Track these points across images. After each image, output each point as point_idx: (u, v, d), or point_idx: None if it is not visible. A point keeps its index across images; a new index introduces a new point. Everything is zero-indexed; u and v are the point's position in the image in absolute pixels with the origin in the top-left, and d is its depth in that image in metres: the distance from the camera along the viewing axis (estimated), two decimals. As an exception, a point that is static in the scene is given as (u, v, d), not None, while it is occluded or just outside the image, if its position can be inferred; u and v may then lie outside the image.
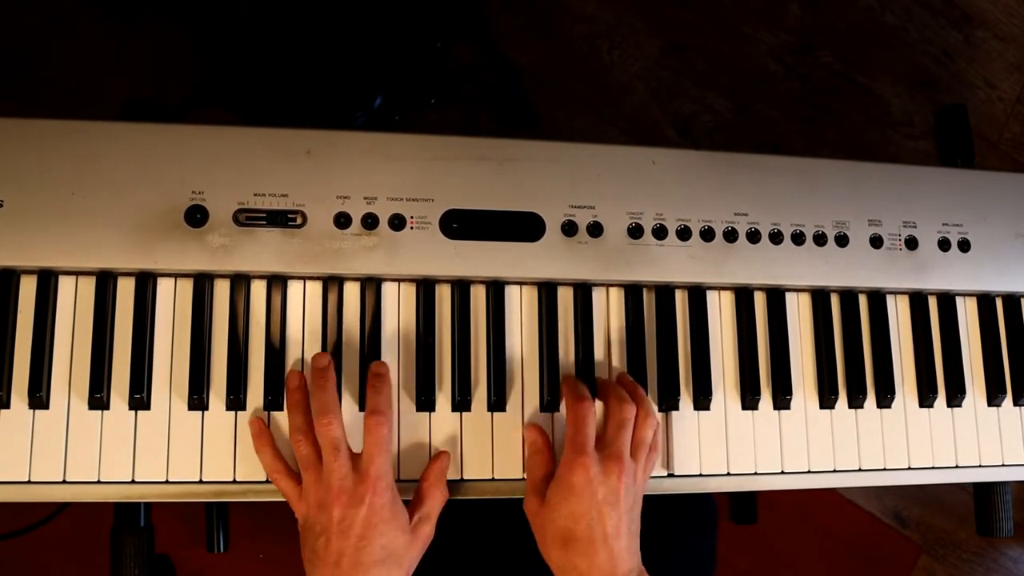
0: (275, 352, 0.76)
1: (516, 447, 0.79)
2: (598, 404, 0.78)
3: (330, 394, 0.73)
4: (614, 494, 0.72)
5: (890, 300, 0.88)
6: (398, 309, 0.79)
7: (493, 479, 0.78)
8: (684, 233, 0.82)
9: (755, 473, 0.83)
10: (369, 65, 1.42)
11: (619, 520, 0.71)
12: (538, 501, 0.74)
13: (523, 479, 0.78)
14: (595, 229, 0.80)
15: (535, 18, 1.67)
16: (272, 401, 0.75)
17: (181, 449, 0.74)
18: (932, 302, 0.89)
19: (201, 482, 0.74)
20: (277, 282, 0.77)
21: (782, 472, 0.83)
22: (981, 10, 1.79)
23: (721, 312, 0.85)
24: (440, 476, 0.76)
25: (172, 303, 0.76)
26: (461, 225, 0.78)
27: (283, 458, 0.74)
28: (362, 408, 0.76)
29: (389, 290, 0.79)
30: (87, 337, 0.73)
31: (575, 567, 0.71)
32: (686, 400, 0.82)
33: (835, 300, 0.87)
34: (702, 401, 0.82)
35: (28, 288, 0.74)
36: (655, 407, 0.81)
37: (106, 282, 0.74)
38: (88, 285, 0.74)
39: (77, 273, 0.75)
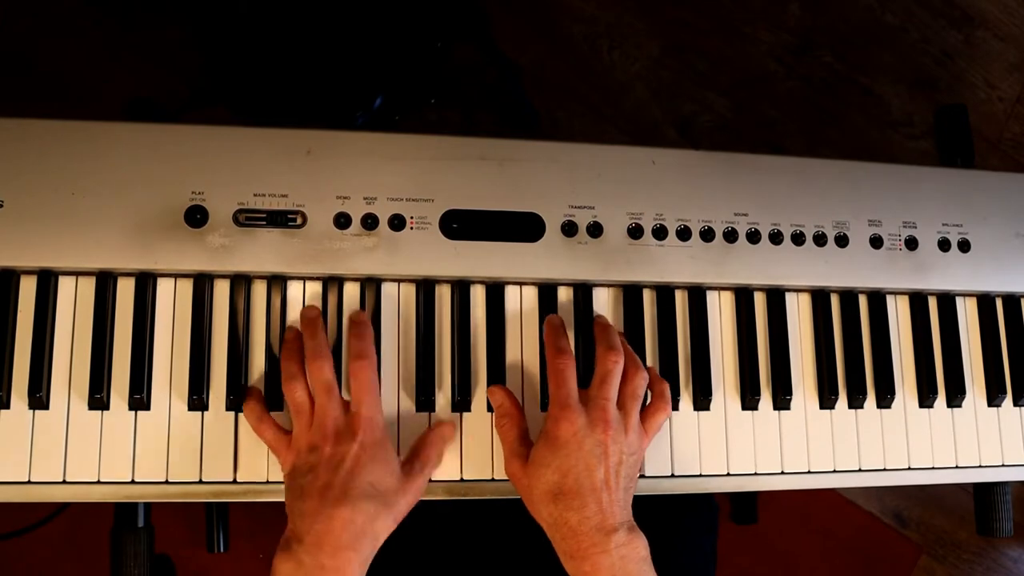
0: (275, 352, 0.76)
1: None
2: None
3: (321, 339, 0.74)
4: (600, 446, 0.71)
5: (890, 300, 0.88)
6: (398, 309, 0.79)
7: (493, 479, 0.78)
8: (684, 233, 0.82)
9: (755, 473, 0.83)
10: (369, 65, 1.42)
11: (607, 473, 0.71)
12: (519, 463, 0.74)
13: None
14: (595, 229, 0.80)
15: (535, 18, 1.67)
16: (272, 401, 0.75)
17: (181, 449, 0.74)
18: (932, 302, 0.89)
19: (201, 482, 0.74)
20: (277, 282, 0.77)
21: (782, 472, 0.83)
22: (981, 10, 1.79)
23: (721, 312, 0.85)
24: (438, 439, 0.76)
25: (172, 303, 0.76)
26: (461, 225, 0.78)
27: (268, 415, 0.74)
28: (362, 408, 0.76)
29: (389, 290, 0.79)
30: (87, 337, 0.73)
31: (565, 521, 0.70)
32: (686, 400, 0.82)
33: (835, 300, 0.87)
34: (702, 401, 0.82)
35: (28, 288, 0.74)
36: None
37: (106, 282, 0.74)
38: (88, 285, 0.74)
39: (77, 273, 0.75)
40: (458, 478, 0.77)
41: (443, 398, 0.78)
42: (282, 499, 0.74)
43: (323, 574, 0.66)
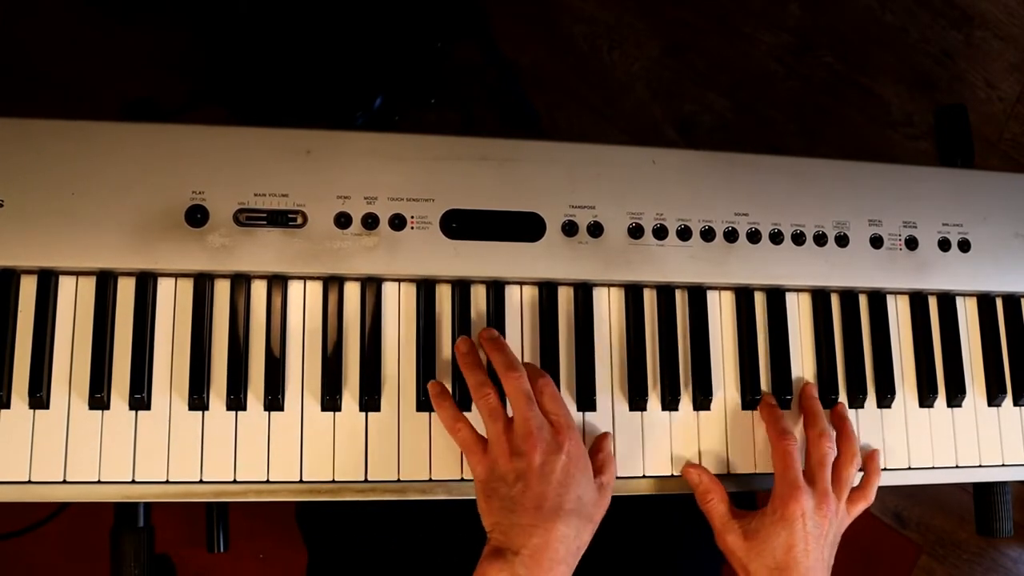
0: (275, 353, 0.76)
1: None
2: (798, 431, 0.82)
3: (511, 354, 0.76)
4: (819, 528, 0.76)
5: (890, 300, 0.88)
6: (398, 309, 0.79)
7: (493, 479, 0.78)
8: (684, 233, 0.82)
9: (755, 473, 0.83)
10: (369, 65, 1.42)
11: (820, 553, 0.76)
12: (738, 536, 0.77)
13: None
14: (595, 229, 0.80)
15: (535, 18, 1.67)
16: (272, 401, 0.75)
17: (181, 449, 0.74)
18: (932, 302, 0.89)
19: (201, 482, 0.74)
20: (277, 282, 0.77)
21: (782, 472, 0.83)
22: (981, 10, 1.79)
23: (721, 312, 0.85)
24: (612, 450, 0.78)
25: (172, 303, 0.76)
26: (461, 225, 0.78)
27: (462, 413, 0.75)
28: (361, 407, 0.76)
29: (389, 290, 0.79)
30: (87, 337, 0.73)
31: None
32: (686, 400, 0.82)
33: (835, 300, 0.87)
34: (702, 401, 0.82)
35: (28, 288, 0.74)
36: (858, 446, 0.82)
37: (106, 282, 0.74)
38: (88, 285, 0.74)
39: (77, 273, 0.75)
40: (458, 478, 0.77)
41: (443, 398, 0.78)
42: (282, 499, 0.74)
43: None
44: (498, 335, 0.78)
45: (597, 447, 0.78)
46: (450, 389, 0.78)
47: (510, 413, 0.73)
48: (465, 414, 0.76)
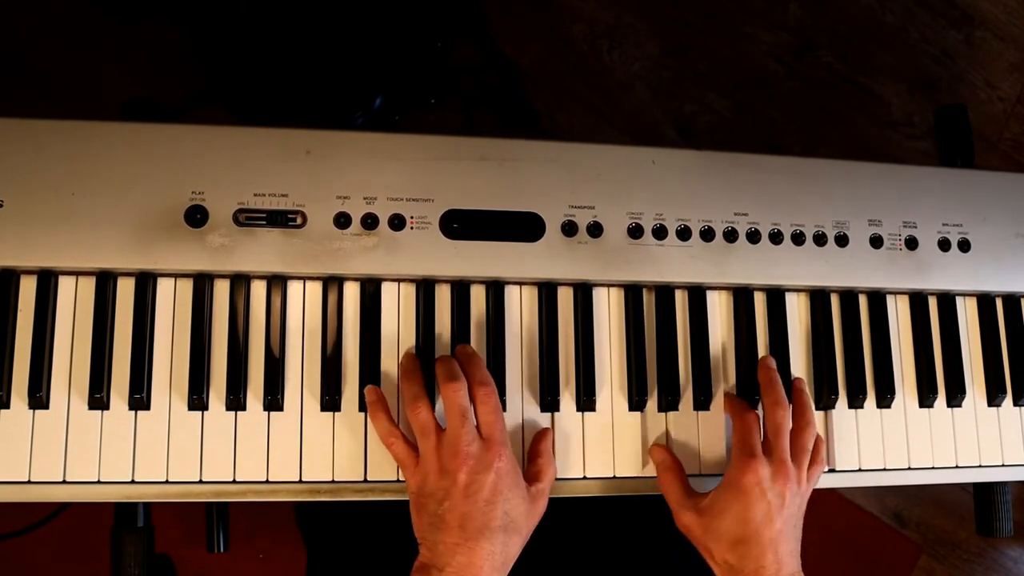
0: (275, 353, 0.76)
1: (515, 448, 0.79)
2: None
3: (456, 365, 0.74)
4: (779, 498, 0.74)
5: (890, 300, 0.88)
6: (398, 309, 0.79)
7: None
8: (684, 233, 0.82)
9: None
10: (369, 65, 1.42)
11: (784, 523, 0.74)
12: (693, 513, 0.76)
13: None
14: (595, 229, 0.80)
15: (535, 18, 1.67)
16: (272, 401, 0.75)
17: (181, 449, 0.74)
18: (932, 302, 0.89)
19: (201, 482, 0.74)
20: (277, 282, 0.77)
21: (782, 472, 0.83)
22: (981, 10, 1.79)
23: (721, 312, 0.85)
24: (551, 452, 0.77)
25: (172, 303, 0.76)
26: (461, 225, 0.78)
27: (397, 425, 0.74)
28: (362, 407, 0.76)
29: (389, 290, 0.79)
30: (87, 337, 0.73)
31: (742, 569, 0.73)
32: (686, 400, 0.82)
33: (835, 300, 0.87)
34: (702, 401, 0.82)
35: (28, 288, 0.74)
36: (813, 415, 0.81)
37: (106, 282, 0.74)
38: (88, 285, 0.74)
39: (77, 273, 0.75)
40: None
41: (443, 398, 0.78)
42: (282, 499, 0.74)
43: None
44: (469, 350, 0.77)
45: (534, 451, 0.77)
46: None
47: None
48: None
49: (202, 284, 0.76)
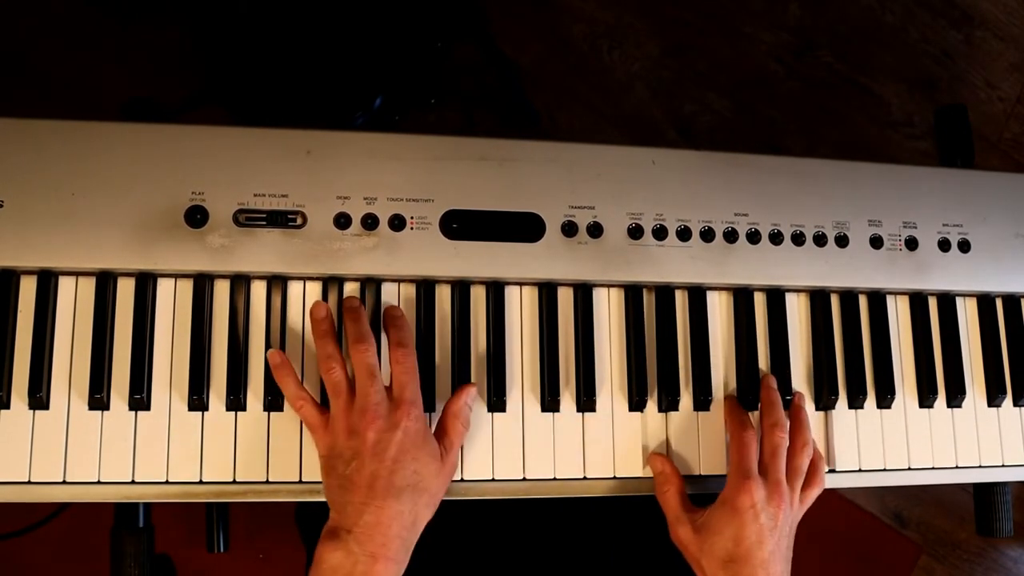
0: (275, 352, 0.76)
1: (516, 447, 0.79)
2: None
3: (365, 325, 0.74)
4: (772, 519, 0.75)
5: (890, 300, 0.88)
6: (398, 309, 0.79)
7: (493, 479, 0.78)
8: (684, 233, 0.82)
9: (755, 473, 0.83)
10: (369, 65, 1.42)
11: (775, 545, 0.74)
12: (687, 529, 0.76)
13: (523, 479, 0.78)
14: (595, 229, 0.80)
15: (535, 18, 1.67)
16: (272, 402, 0.75)
17: (181, 449, 0.74)
18: (932, 302, 0.89)
19: (201, 482, 0.74)
20: (277, 282, 0.77)
21: (782, 472, 0.83)
22: (981, 10, 1.79)
23: (721, 312, 0.85)
24: (462, 408, 0.76)
25: (172, 303, 0.76)
26: (461, 225, 0.78)
27: (305, 388, 0.74)
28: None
29: (389, 290, 0.79)
30: (87, 337, 0.73)
31: None
32: (686, 401, 0.82)
33: (835, 300, 0.87)
34: (702, 402, 0.82)
35: (28, 288, 0.74)
36: (812, 435, 0.82)
37: (106, 282, 0.74)
38: (88, 285, 0.74)
39: (77, 273, 0.75)
40: (459, 478, 0.77)
41: (442, 399, 0.78)
42: (282, 499, 0.74)
43: (373, 563, 0.67)
44: (357, 304, 0.76)
45: (444, 411, 0.76)
46: (449, 388, 0.78)
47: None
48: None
49: (202, 284, 0.76)
